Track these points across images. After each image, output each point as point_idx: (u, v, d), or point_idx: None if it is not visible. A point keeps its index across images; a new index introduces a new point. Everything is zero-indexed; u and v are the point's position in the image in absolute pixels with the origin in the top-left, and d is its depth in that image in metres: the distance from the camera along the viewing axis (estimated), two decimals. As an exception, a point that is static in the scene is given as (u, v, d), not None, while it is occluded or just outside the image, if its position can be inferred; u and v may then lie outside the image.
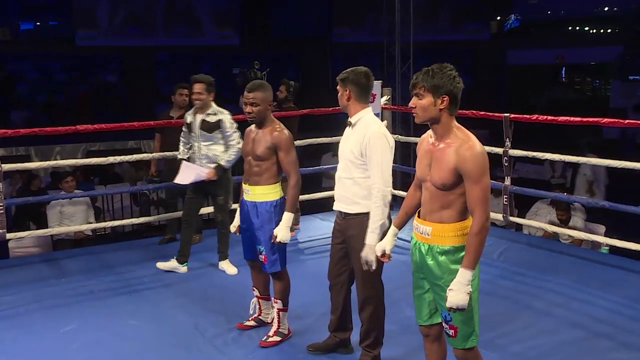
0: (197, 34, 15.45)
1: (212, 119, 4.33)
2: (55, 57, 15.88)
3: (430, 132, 2.37)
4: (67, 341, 3.42)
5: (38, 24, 15.55)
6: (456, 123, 2.31)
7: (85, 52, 14.93)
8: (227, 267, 4.46)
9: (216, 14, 15.68)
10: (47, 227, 5.82)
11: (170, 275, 4.45)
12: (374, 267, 2.75)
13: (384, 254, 2.57)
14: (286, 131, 3.22)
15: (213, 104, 4.41)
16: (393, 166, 6.09)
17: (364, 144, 2.80)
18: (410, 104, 2.31)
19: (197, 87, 4.37)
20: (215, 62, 17.09)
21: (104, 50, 15.07)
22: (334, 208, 3.01)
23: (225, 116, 4.35)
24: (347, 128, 2.95)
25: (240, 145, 4.09)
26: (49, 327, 3.60)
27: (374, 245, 2.68)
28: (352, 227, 2.89)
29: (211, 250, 5.04)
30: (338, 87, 2.93)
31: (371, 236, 2.75)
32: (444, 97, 2.24)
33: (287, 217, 3.15)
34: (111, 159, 4.94)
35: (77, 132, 4.71)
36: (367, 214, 2.85)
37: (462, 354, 2.36)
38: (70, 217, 5.98)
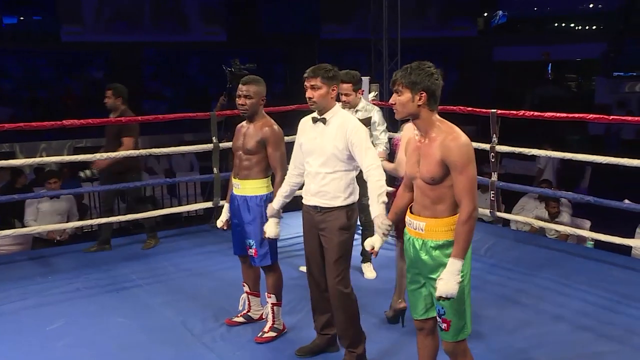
0: (184, 31, 15.37)
1: (361, 115, 4.05)
2: (40, 53, 15.71)
3: (414, 129, 2.39)
4: (53, 339, 3.39)
5: (22, 18, 15.36)
6: (438, 117, 2.35)
7: (70, 48, 14.78)
8: (367, 270, 4.29)
9: (204, 10, 15.61)
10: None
11: (157, 272, 4.43)
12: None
13: (372, 249, 2.58)
14: (276, 127, 3.25)
15: (363, 100, 4.13)
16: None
17: (348, 136, 2.84)
18: (391, 101, 2.37)
19: (345, 87, 3.95)
20: (202, 59, 17.03)
21: (90, 47, 14.93)
22: (308, 203, 2.97)
23: (376, 113, 4.11)
24: (314, 124, 2.94)
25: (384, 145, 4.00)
26: (34, 325, 3.57)
27: (383, 214, 2.67)
28: (328, 220, 2.89)
29: (198, 247, 5.03)
30: (320, 83, 2.86)
31: (377, 207, 2.72)
32: (422, 94, 2.29)
33: (272, 209, 3.16)
34: (98, 156, 4.90)
35: (64, 128, 4.66)
36: (345, 207, 2.89)
37: (452, 347, 2.39)
38: (47, 215, 5.83)
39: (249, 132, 3.25)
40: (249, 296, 3.51)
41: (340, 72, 3.69)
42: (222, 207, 3.51)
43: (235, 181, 3.31)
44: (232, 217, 3.37)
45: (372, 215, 2.73)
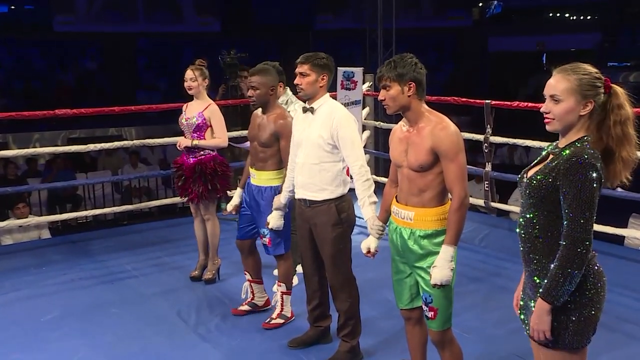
0: (178, 21, 15.26)
1: None
2: (32, 43, 15.57)
3: (402, 122, 2.41)
4: (47, 330, 3.39)
5: (13, 7, 15.20)
6: (426, 107, 2.37)
7: (63, 38, 14.66)
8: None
9: (197, 0, 15.49)
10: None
11: (152, 263, 4.43)
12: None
13: (369, 251, 2.58)
14: (290, 119, 3.23)
15: (288, 92, 3.99)
16: (375, 153, 6.04)
17: (334, 127, 2.80)
18: (380, 97, 2.37)
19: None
20: (196, 50, 16.92)
21: (83, 37, 14.81)
22: (297, 197, 2.97)
23: (298, 106, 3.74)
24: (304, 114, 2.92)
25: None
26: (29, 316, 3.56)
27: (374, 215, 2.64)
28: (318, 215, 2.88)
29: (192, 237, 5.03)
30: (308, 71, 2.84)
31: (367, 209, 2.71)
32: (410, 84, 2.31)
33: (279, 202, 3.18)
34: (91, 147, 4.88)
35: (57, 118, 4.64)
36: (333, 200, 2.86)
37: (440, 335, 2.40)
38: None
39: (263, 124, 3.27)
40: (252, 284, 3.53)
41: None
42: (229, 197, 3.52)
43: (251, 171, 3.37)
44: (244, 203, 3.41)
45: (364, 218, 2.73)
